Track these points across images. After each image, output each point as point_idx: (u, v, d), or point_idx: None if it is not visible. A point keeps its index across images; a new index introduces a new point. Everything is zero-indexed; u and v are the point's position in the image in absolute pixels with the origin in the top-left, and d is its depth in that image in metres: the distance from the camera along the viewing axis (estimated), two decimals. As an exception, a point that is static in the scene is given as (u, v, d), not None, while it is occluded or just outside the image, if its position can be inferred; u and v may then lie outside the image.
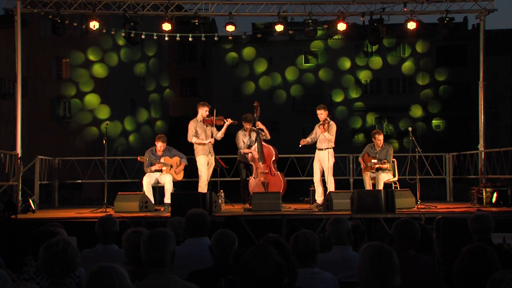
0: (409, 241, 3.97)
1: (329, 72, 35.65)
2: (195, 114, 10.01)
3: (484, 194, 9.87)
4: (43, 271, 3.31)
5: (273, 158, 9.86)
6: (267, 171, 9.78)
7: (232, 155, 10.98)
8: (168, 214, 8.46)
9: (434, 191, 17.23)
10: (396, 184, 10.18)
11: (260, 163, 9.77)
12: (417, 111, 35.25)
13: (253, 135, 9.97)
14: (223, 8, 11.96)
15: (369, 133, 11.21)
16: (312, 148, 9.98)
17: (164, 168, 9.81)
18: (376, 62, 35.83)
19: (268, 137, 9.95)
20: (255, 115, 9.90)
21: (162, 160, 9.83)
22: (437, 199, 13.45)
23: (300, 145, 9.84)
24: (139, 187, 10.19)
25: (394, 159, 10.26)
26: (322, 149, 9.66)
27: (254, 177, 9.82)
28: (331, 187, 9.62)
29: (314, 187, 9.99)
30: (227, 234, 3.88)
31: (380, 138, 10.08)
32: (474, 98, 13.16)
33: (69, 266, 3.17)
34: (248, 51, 35.35)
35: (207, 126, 9.80)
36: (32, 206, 9.91)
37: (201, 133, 9.75)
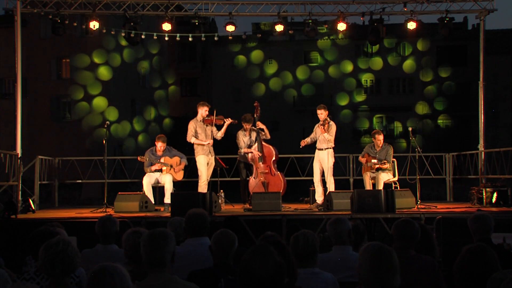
0: (409, 241, 3.97)
1: (329, 72, 35.67)
2: (195, 114, 10.01)
3: (484, 194, 9.87)
4: (43, 271, 3.31)
5: (273, 158, 9.86)
6: (267, 171, 9.78)
7: (232, 155, 10.98)
8: (168, 214, 8.46)
9: (434, 191, 17.23)
10: (396, 184, 10.19)
11: (260, 163, 9.77)
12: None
13: (253, 135, 9.97)
14: (223, 8, 11.97)
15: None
16: (312, 148, 9.98)
17: (164, 168, 9.81)
18: (378, 62, 35.85)
19: (268, 136, 9.95)
20: (255, 115, 9.90)
21: (162, 160, 9.83)
22: (437, 199, 13.45)
23: (301, 146, 9.84)
24: (139, 187, 10.19)
25: (394, 159, 10.26)
26: (322, 149, 9.66)
27: (254, 177, 9.82)
28: (331, 187, 9.62)
29: (314, 187, 9.99)
30: (227, 234, 3.88)
31: (380, 138, 10.09)
32: (474, 98, 13.16)
33: (69, 266, 3.17)
34: (248, 51, 35.35)
35: (207, 126, 9.80)
36: (32, 206, 9.91)
37: (201, 133, 9.75)
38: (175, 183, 10.04)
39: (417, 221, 4.19)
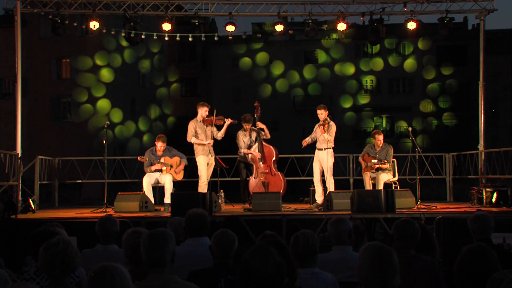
0: (409, 241, 3.97)
1: (329, 72, 35.67)
2: (195, 114, 10.01)
3: (484, 194, 9.87)
4: (43, 271, 3.32)
5: (274, 158, 9.86)
6: (267, 171, 9.78)
7: (232, 155, 10.98)
8: (168, 214, 8.46)
9: (434, 191, 17.23)
10: (396, 184, 10.18)
11: (261, 163, 9.77)
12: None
13: (253, 135, 9.96)
14: (223, 8, 11.97)
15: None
16: (312, 148, 9.98)
17: (164, 168, 9.81)
18: (379, 62, 35.86)
19: (268, 136, 9.95)
20: (255, 115, 9.90)
21: (162, 160, 9.83)
22: (437, 199, 13.45)
23: (303, 146, 9.84)
24: (139, 187, 10.19)
25: (394, 159, 10.26)
26: (321, 149, 9.66)
27: (254, 177, 9.82)
28: (331, 187, 9.61)
29: (314, 187, 9.99)
30: (227, 234, 3.88)
31: (380, 138, 10.08)
32: (474, 98, 13.16)
33: (69, 266, 3.17)
34: (251, 52, 35.37)
35: (207, 126, 9.80)
36: (32, 206, 9.91)
37: (201, 133, 9.75)
38: (175, 183, 10.04)
39: (417, 221, 4.18)
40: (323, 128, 9.53)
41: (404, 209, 8.90)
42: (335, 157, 9.89)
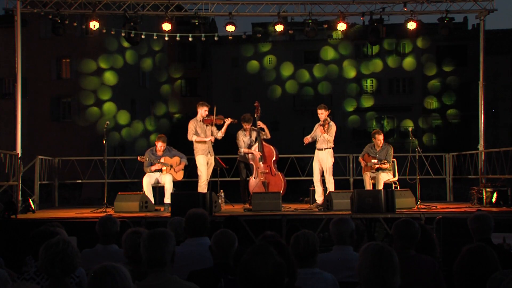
0: (409, 241, 3.97)
1: (329, 72, 35.68)
2: (194, 114, 10.01)
3: (484, 194, 9.86)
4: (43, 271, 3.31)
5: (274, 158, 9.86)
6: (267, 171, 9.78)
7: (232, 155, 10.98)
8: (168, 214, 8.46)
9: (434, 191, 17.23)
10: (396, 184, 10.18)
11: (261, 163, 9.77)
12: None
13: (253, 134, 9.96)
14: (223, 8, 11.97)
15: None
16: (312, 148, 9.98)
17: (164, 168, 9.81)
18: (379, 63, 35.86)
19: (269, 136, 9.94)
20: (255, 115, 9.90)
21: (162, 160, 9.83)
22: (437, 199, 13.45)
23: (305, 143, 9.84)
24: (139, 187, 10.19)
25: (394, 159, 10.25)
26: (321, 149, 9.65)
27: (254, 177, 9.82)
28: (331, 187, 9.61)
29: (314, 187, 9.99)
30: (227, 234, 3.88)
31: (380, 138, 10.08)
32: (474, 98, 13.16)
33: (69, 266, 3.17)
34: (248, 50, 35.39)
35: (207, 125, 9.80)
36: (32, 206, 9.91)
37: (201, 133, 9.75)
38: (175, 183, 10.04)
39: (417, 221, 4.18)
40: (323, 129, 9.53)
41: (404, 209, 8.90)
42: (335, 157, 9.89)
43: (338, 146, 10.24)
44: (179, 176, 9.96)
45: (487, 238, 4.43)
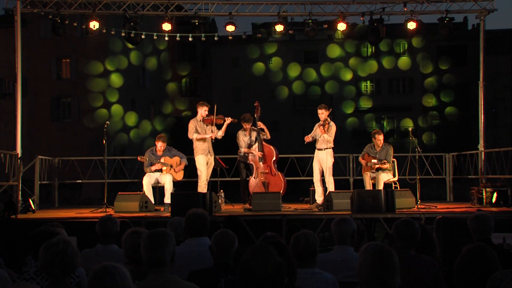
0: (409, 241, 3.97)
1: (329, 72, 35.68)
2: (194, 114, 10.01)
3: (484, 194, 9.86)
4: (43, 271, 3.31)
5: (274, 158, 9.86)
6: (267, 171, 9.78)
7: (232, 155, 10.98)
8: (168, 214, 8.46)
9: (434, 191, 17.23)
10: (396, 184, 10.18)
11: (261, 163, 9.77)
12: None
13: (253, 134, 9.97)
14: (223, 8, 11.97)
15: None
16: (312, 148, 9.98)
17: (164, 168, 9.81)
18: (378, 63, 35.87)
19: (269, 136, 9.95)
20: (255, 115, 9.89)
21: (162, 160, 9.83)
22: (437, 199, 13.45)
23: (305, 142, 9.84)
24: (139, 187, 10.19)
25: (394, 159, 10.25)
26: (321, 149, 9.65)
27: (254, 177, 9.82)
28: (330, 187, 9.61)
29: (314, 187, 9.99)
30: (227, 234, 3.88)
31: (380, 138, 10.08)
32: (474, 98, 13.15)
33: (69, 266, 3.17)
34: (249, 50, 35.39)
35: (207, 125, 9.80)
36: (32, 206, 9.91)
37: (201, 132, 9.76)
38: (175, 183, 10.04)
39: (417, 221, 4.18)
40: (323, 129, 9.52)
41: (404, 209, 8.89)
42: (335, 157, 9.89)
43: (338, 146, 10.23)
44: (179, 176, 9.96)
45: (487, 238, 4.43)
